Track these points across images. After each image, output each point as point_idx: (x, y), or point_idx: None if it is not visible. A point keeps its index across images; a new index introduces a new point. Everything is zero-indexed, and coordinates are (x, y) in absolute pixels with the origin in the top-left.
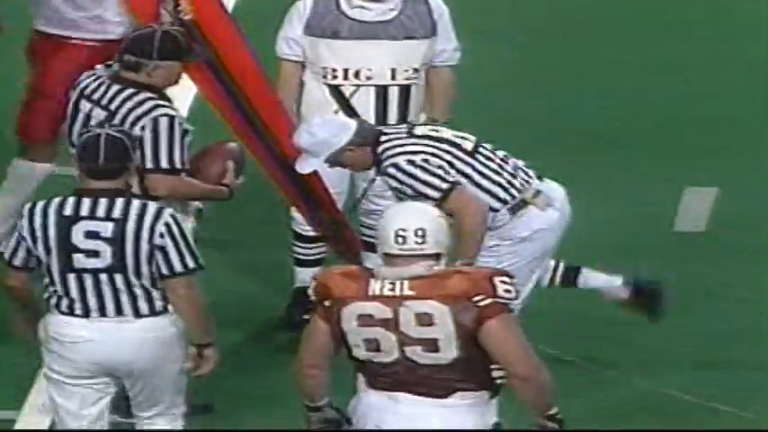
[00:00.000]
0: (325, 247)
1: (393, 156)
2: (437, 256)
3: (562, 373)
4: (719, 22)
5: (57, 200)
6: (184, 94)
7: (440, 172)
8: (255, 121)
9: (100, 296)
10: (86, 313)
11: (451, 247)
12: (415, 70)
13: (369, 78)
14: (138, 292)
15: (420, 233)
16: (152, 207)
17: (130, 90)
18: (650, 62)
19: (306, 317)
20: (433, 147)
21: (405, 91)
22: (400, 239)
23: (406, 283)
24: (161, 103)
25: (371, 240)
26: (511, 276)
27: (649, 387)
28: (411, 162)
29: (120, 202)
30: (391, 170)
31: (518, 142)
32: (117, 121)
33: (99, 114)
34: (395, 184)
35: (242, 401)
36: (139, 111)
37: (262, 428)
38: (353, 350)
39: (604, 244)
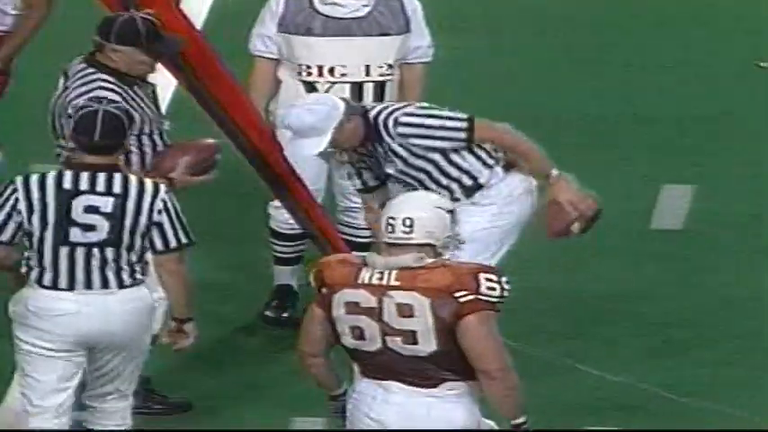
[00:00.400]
0: (304, 244)
1: (397, 110)
2: (430, 248)
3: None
4: (700, 21)
5: (53, 173)
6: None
7: (448, 110)
8: (227, 120)
9: (88, 270)
10: (71, 286)
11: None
12: (390, 66)
13: (343, 75)
14: (124, 265)
15: (408, 222)
16: (149, 184)
17: (90, 69)
18: (629, 60)
19: (285, 314)
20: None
21: (379, 87)
22: (389, 228)
23: (393, 273)
24: (107, 86)
25: (351, 239)
26: (498, 274)
27: (626, 382)
28: (421, 107)
29: (118, 177)
30: (404, 119)
31: None
32: (65, 95)
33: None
34: (413, 133)
35: (223, 397)
36: (82, 89)
37: (244, 424)
38: (342, 337)
39: (581, 240)
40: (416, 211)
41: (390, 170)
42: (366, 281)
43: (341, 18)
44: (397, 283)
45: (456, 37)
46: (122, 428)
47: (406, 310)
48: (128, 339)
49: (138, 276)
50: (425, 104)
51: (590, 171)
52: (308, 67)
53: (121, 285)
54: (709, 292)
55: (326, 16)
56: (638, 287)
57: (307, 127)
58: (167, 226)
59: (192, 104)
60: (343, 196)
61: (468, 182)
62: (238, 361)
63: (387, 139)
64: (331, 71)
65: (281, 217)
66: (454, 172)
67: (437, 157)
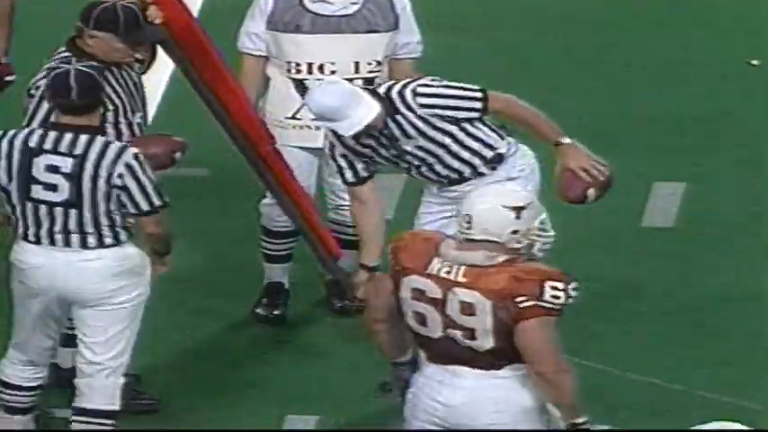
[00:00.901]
0: (295, 242)
1: (411, 83)
2: (500, 246)
3: None
4: (692, 20)
5: (26, 130)
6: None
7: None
8: (221, 110)
9: (52, 228)
10: (38, 241)
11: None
12: (378, 63)
13: (333, 72)
14: (90, 227)
15: (467, 218)
16: (114, 146)
17: (67, 53)
18: (620, 59)
19: (276, 312)
20: None
21: (368, 84)
22: (462, 223)
23: (462, 269)
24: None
25: (341, 236)
26: (566, 281)
27: (623, 378)
28: (433, 78)
29: (83, 138)
30: (422, 89)
31: None
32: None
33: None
34: (433, 103)
35: (215, 396)
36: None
37: (237, 424)
38: (405, 317)
39: (573, 237)
40: (476, 206)
41: (408, 147)
42: (435, 272)
43: (330, 15)
44: (464, 280)
45: (455, 36)
46: (110, 408)
47: (467, 309)
48: (96, 300)
49: (109, 240)
50: (435, 77)
51: None
52: (297, 64)
53: (85, 246)
54: (706, 290)
55: (315, 14)
56: (633, 284)
57: (333, 109)
58: (135, 190)
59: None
60: (334, 194)
61: (488, 153)
62: (230, 359)
63: (406, 112)
64: (320, 68)
65: (272, 214)
66: (474, 143)
67: (454, 129)
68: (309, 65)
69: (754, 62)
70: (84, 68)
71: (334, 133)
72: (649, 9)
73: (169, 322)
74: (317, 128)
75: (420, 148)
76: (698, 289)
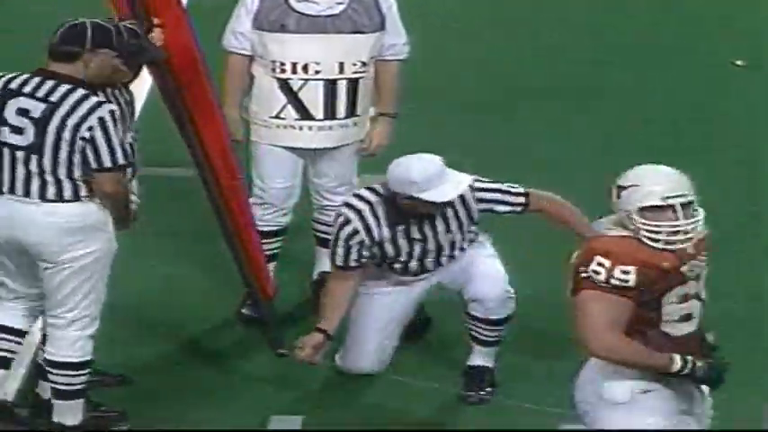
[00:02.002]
0: (280, 242)
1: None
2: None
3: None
4: (667, 20)
5: (12, 74)
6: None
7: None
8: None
9: (13, 174)
10: (0, 190)
11: None
12: (363, 64)
13: (317, 72)
14: (50, 178)
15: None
16: (91, 100)
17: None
18: (614, 60)
19: (253, 314)
20: None
21: (353, 84)
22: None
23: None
24: (102, 99)
25: (326, 236)
26: (615, 260)
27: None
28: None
29: (64, 87)
30: (479, 185)
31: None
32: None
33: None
34: (489, 198)
35: (199, 396)
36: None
37: (221, 424)
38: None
39: (555, 242)
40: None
41: (443, 241)
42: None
43: (315, 15)
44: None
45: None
46: (68, 360)
47: None
48: (53, 254)
49: (68, 194)
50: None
51: (568, 172)
52: (282, 63)
53: (43, 198)
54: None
55: (301, 13)
56: None
57: (435, 175)
58: (102, 145)
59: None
60: (319, 194)
61: (473, 237)
62: (214, 360)
63: (458, 207)
64: (305, 68)
65: (257, 214)
66: (473, 234)
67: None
68: (294, 64)
69: (739, 62)
70: (83, 20)
71: (371, 215)
72: (643, 10)
73: (154, 322)
74: (301, 127)
75: (451, 242)
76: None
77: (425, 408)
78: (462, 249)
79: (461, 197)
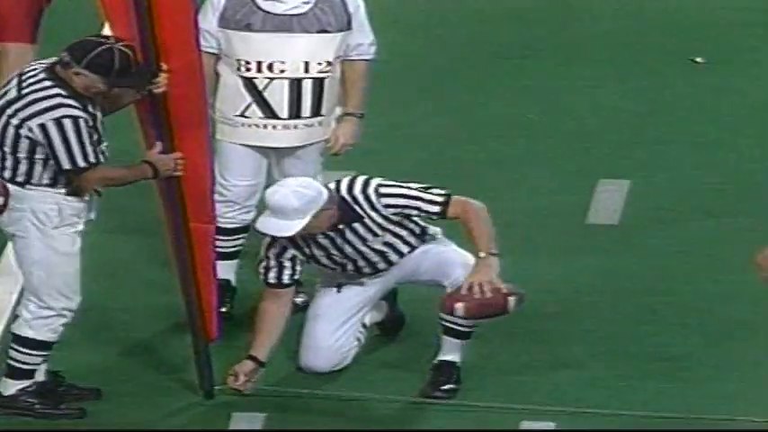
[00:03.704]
0: (243, 239)
1: (367, 182)
2: None
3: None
4: (635, 15)
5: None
6: None
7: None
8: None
9: None
10: None
11: None
12: (329, 63)
13: (282, 71)
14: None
15: None
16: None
17: (48, 82)
18: (565, 54)
19: (223, 309)
20: None
21: (318, 84)
22: None
23: None
24: (67, 102)
25: None
26: None
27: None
28: (382, 179)
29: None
30: (384, 190)
31: (433, 132)
32: (20, 104)
33: (11, 94)
34: (397, 203)
35: (161, 395)
36: (43, 104)
37: (184, 422)
38: None
39: (517, 235)
40: None
41: (377, 245)
42: None
43: (281, 14)
44: None
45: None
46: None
47: None
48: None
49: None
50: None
51: (525, 165)
52: (247, 62)
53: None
54: (642, 287)
55: (266, 12)
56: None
57: (291, 209)
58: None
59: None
60: None
61: (418, 229)
62: (173, 357)
63: (371, 213)
64: (269, 67)
65: (220, 210)
66: (417, 228)
67: (406, 221)
68: (259, 63)
69: (699, 60)
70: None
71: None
72: (593, 6)
73: (102, 321)
74: (265, 126)
75: (385, 243)
76: (643, 285)
77: (388, 405)
78: (412, 248)
79: (371, 204)
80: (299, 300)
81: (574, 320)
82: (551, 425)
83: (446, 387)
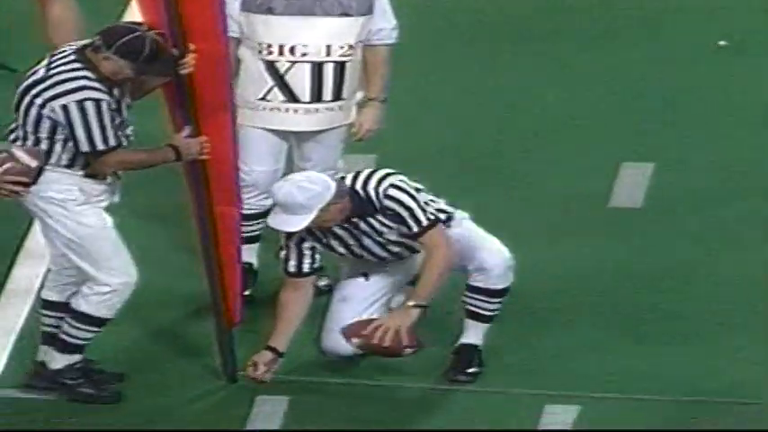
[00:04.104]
0: (264, 223)
1: (383, 179)
2: None
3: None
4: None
5: None
6: None
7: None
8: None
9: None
10: None
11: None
12: (351, 47)
13: (304, 55)
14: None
15: None
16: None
17: (76, 64)
18: (588, 38)
19: (245, 293)
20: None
21: (340, 67)
22: None
23: None
24: (91, 85)
25: None
26: None
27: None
28: (401, 181)
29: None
30: (392, 191)
31: (455, 116)
32: (46, 84)
33: (38, 73)
34: (395, 205)
35: (188, 378)
36: (67, 86)
37: (206, 405)
38: None
39: (540, 218)
40: None
41: (393, 236)
42: None
43: None
44: None
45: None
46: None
47: None
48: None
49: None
50: (404, 181)
51: (550, 150)
52: (269, 45)
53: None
54: (666, 270)
55: None
56: (600, 267)
57: (295, 204)
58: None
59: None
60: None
61: (443, 216)
62: (200, 341)
63: (373, 210)
64: (291, 50)
65: (241, 195)
66: (441, 216)
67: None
68: (281, 46)
69: (722, 43)
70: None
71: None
72: None
73: (126, 305)
74: (287, 109)
75: (403, 234)
76: (666, 268)
77: (410, 390)
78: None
79: (375, 203)
80: (322, 283)
81: (596, 304)
82: (575, 409)
83: (468, 370)
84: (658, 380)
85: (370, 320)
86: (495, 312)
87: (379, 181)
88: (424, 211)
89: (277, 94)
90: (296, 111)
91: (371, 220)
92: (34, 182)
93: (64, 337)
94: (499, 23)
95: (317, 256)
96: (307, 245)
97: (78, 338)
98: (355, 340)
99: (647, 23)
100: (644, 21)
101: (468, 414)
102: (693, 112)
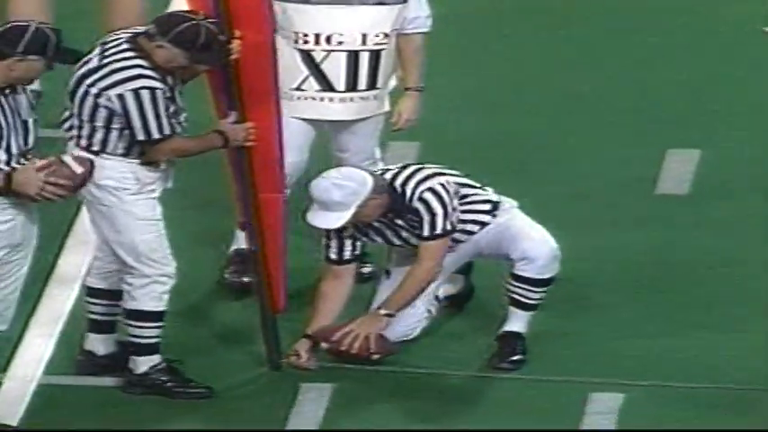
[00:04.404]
0: None
1: (424, 181)
2: None
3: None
4: None
5: None
6: None
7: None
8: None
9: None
10: None
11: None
12: (386, 35)
13: (340, 43)
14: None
15: None
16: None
17: (130, 53)
18: (631, 24)
19: (246, 279)
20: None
21: (375, 56)
22: None
23: None
24: (146, 73)
25: None
26: None
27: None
28: (443, 185)
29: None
30: (427, 194)
31: (498, 102)
32: (101, 74)
33: (92, 62)
34: (423, 208)
35: (226, 366)
36: (123, 75)
37: (249, 396)
38: None
39: (585, 206)
40: None
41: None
42: None
43: None
44: None
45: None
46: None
47: None
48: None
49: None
50: (447, 186)
51: (593, 136)
52: (305, 35)
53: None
54: (713, 258)
55: None
56: (646, 254)
57: (332, 202)
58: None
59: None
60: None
61: (486, 207)
62: (244, 328)
63: (403, 207)
64: (327, 39)
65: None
66: (485, 206)
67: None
68: (317, 35)
69: (767, 29)
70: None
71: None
72: None
73: (170, 293)
74: (322, 99)
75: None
76: (712, 256)
77: (453, 378)
78: (482, 225)
79: (407, 201)
80: (365, 270)
81: (641, 292)
82: (620, 397)
83: (512, 358)
84: (702, 367)
85: (340, 326)
86: (539, 301)
87: (420, 182)
88: (445, 221)
89: (312, 84)
90: (331, 100)
91: (408, 216)
92: (76, 189)
93: (132, 339)
94: (541, 10)
95: (359, 243)
96: (347, 233)
97: (145, 337)
98: (324, 345)
99: (693, 8)
100: (689, 6)
101: (513, 402)
102: (739, 98)
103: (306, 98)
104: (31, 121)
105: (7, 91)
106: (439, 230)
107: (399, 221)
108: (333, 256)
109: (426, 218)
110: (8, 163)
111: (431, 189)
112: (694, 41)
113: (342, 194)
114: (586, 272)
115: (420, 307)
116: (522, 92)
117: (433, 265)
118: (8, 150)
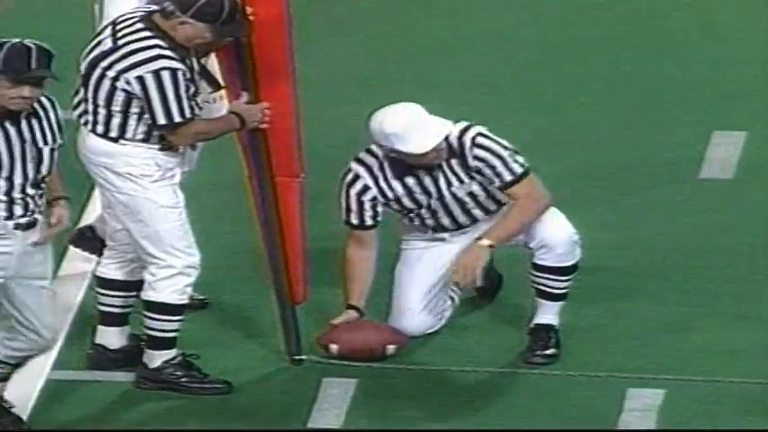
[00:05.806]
0: None
1: (469, 128)
2: None
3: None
4: None
5: None
6: None
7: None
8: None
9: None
10: None
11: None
12: None
13: None
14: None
15: None
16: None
17: (146, 32)
18: (675, 2)
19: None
20: None
21: None
22: None
23: None
24: (165, 53)
25: None
26: None
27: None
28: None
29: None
30: (481, 139)
31: (544, 88)
32: (117, 56)
33: (105, 44)
34: (486, 154)
35: (248, 360)
36: (141, 56)
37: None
38: None
39: (629, 189)
40: None
41: (460, 193)
42: None
43: None
44: None
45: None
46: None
47: None
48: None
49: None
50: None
51: (636, 116)
52: None
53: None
54: (758, 244)
55: None
56: (689, 240)
57: (430, 122)
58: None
59: None
60: None
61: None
62: (264, 321)
63: (459, 158)
64: None
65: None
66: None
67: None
68: None
69: None
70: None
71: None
72: None
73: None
74: None
75: (470, 194)
76: (757, 243)
77: (483, 373)
78: (500, 206)
79: (460, 151)
80: None
81: (684, 280)
82: (660, 392)
83: (545, 352)
84: (742, 361)
85: (348, 325)
86: (566, 290)
87: (464, 129)
88: (515, 160)
89: None
90: None
91: (445, 169)
92: None
93: (150, 333)
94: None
95: (380, 209)
96: (368, 196)
97: (163, 331)
98: (334, 347)
99: None
100: None
101: (546, 399)
102: None
103: None
104: (47, 149)
105: (20, 117)
106: (518, 170)
107: (436, 173)
108: (354, 221)
109: (497, 163)
110: (8, 193)
111: (481, 134)
112: (741, 21)
113: (435, 118)
114: (627, 259)
115: (441, 296)
116: (562, 74)
117: (538, 196)
118: (9, 179)
